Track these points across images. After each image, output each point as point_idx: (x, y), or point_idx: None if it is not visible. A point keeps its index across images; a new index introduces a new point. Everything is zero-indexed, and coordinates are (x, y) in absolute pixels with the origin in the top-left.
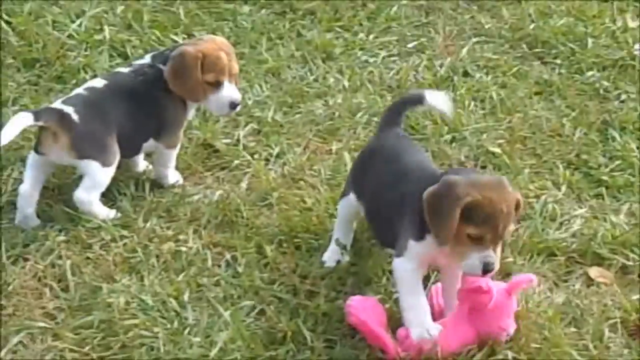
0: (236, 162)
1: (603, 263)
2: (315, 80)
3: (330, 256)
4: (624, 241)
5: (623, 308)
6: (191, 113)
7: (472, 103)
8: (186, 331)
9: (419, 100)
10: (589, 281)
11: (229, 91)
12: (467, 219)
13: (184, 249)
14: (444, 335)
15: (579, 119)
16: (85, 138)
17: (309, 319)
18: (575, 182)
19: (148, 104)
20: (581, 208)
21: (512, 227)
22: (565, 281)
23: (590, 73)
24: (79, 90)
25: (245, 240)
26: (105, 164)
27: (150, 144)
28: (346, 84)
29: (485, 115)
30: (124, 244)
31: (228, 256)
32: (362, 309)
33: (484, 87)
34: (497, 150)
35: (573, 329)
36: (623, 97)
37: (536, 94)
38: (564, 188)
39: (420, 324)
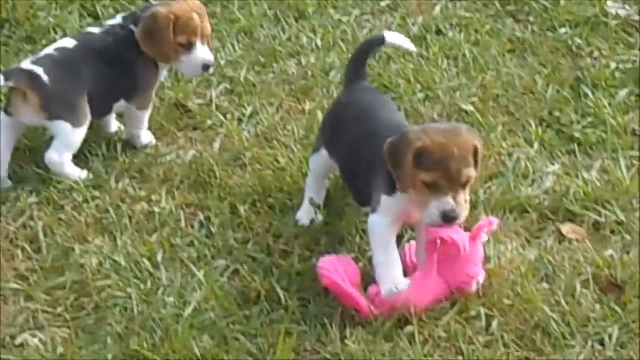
0: (209, 122)
1: (575, 219)
2: (289, 39)
3: (304, 215)
4: (596, 198)
5: (595, 264)
6: (163, 74)
7: (445, 61)
8: (160, 291)
9: (380, 42)
10: (561, 238)
11: (202, 53)
12: (419, 164)
13: (157, 209)
14: (415, 290)
15: (551, 77)
16: (56, 99)
17: (283, 278)
18: (548, 140)
19: (118, 65)
20: (553, 165)
21: (469, 171)
22: (538, 238)
23: (563, 30)
24: (49, 50)
25: (218, 200)
26: (76, 125)
27: (121, 105)
28: (319, 43)
29: (459, 73)
30: (97, 205)
31: (201, 216)
32: (335, 269)
33: (457, 46)
34: (470, 108)
35: (545, 285)
36: (596, 54)
37: (509, 51)
38: (536, 145)
39: (391, 280)
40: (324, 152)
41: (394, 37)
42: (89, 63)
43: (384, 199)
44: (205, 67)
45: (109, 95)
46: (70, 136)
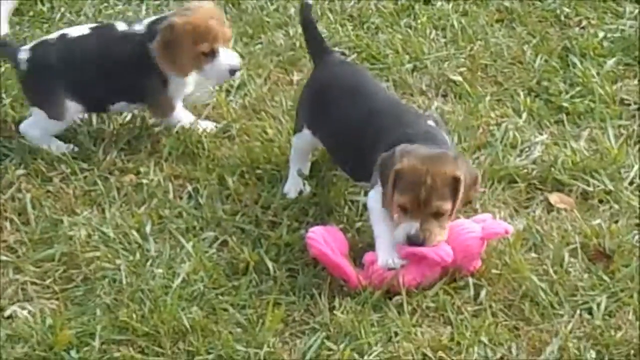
0: (197, 94)
1: (563, 189)
2: (276, 10)
3: (291, 187)
4: (584, 167)
5: (583, 233)
6: (188, 87)
7: (434, 31)
8: (148, 263)
9: (308, 8)
10: (550, 207)
11: (226, 58)
12: (396, 186)
13: (145, 181)
14: (410, 269)
15: (539, 46)
16: (32, 88)
17: (271, 249)
18: (536, 109)
19: (121, 70)
20: (542, 135)
21: (441, 203)
22: (526, 207)
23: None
24: (54, 35)
25: (206, 172)
26: (51, 116)
27: (121, 106)
28: None
29: (447, 43)
30: (85, 177)
31: (190, 188)
32: (323, 240)
33: (445, 15)
34: (459, 78)
35: (533, 255)
36: (584, 23)
37: (497, 21)
38: (524, 115)
39: (388, 251)
40: (306, 132)
41: None
42: (86, 59)
43: None
44: (232, 72)
45: (105, 95)
46: (43, 123)
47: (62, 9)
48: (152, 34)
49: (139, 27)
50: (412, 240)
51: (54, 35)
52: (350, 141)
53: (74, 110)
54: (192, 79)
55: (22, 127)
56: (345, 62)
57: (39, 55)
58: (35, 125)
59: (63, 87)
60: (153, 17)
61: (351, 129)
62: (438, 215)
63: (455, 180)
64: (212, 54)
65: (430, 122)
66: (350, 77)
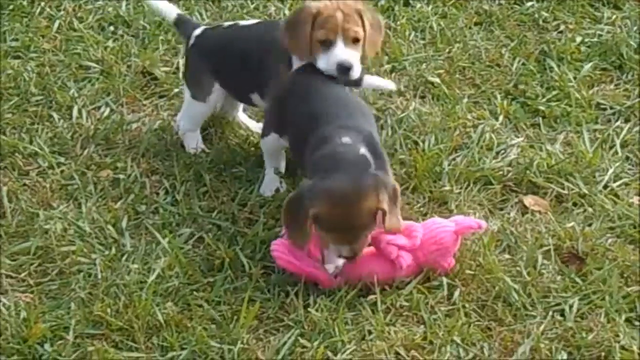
0: (175, 90)
1: (538, 191)
2: (256, 8)
3: (267, 186)
4: (559, 170)
5: (557, 236)
6: None
7: (413, 33)
8: (124, 258)
9: None
10: (524, 209)
11: (340, 52)
12: (317, 225)
13: (122, 176)
14: (382, 263)
15: (517, 49)
16: (187, 67)
17: (247, 246)
18: (513, 112)
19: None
20: (518, 137)
21: (368, 231)
22: (501, 209)
23: (529, 3)
24: (224, 24)
25: (184, 168)
26: (193, 96)
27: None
28: (287, 12)
29: (425, 45)
30: (62, 171)
31: (167, 184)
32: (288, 250)
33: (424, 17)
34: (437, 80)
35: (507, 256)
36: (561, 27)
37: (476, 24)
38: (501, 118)
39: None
40: (274, 135)
41: None
42: (241, 47)
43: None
44: (340, 68)
45: (244, 85)
46: (188, 105)
47: (42, 4)
48: None
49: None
50: (339, 268)
51: (230, 23)
52: (295, 144)
53: (218, 94)
54: None
55: (178, 117)
56: (312, 69)
57: (202, 37)
58: (184, 113)
59: (211, 70)
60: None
61: (297, 132)
62: (365, 238)
63: (377, 211)
64: (327, 44)
65: (346, 139)
66: (307, 80)
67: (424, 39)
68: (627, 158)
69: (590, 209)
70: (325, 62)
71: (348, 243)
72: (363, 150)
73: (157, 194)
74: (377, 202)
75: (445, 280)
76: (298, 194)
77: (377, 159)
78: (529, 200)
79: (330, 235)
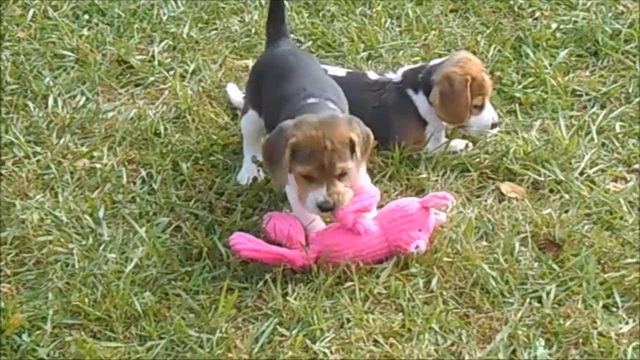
0: (151, 78)
1: (515, 178)
2: None
3: (245, 175)
4: (536, 157)
5: (534, 222)
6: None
7: (388, 20)
8: (101, 247)
9: None
10: (501, 196)
11: (490, 111)
12: (295, 158)
13: (98, 165)
14: (347, 235)
15: (493, 36)
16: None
17: (224, 235)
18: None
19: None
20: None
21: (344, 164)
22: (478, 196)
23: None
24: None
25: (160, 157)
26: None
27: None
28: (262, 0)
29: (401, 32)
30: (37, 161)
31: (143, 173)
32: (246, 239)
33: (400, 5)
34: None
35: (485, 243)
36: (537, 14)
37: (451, 11)
38: None
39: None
40: (252, 113)
41: None
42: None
43: None
44: (494, 125)
45: None
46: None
47: None
48: (411, 82)
49: (394, 76)
50: (323, 207)
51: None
52: (271, 123)
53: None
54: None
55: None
56: (290, 46)
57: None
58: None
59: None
60: (407, 67)
61: (272, 110)
62: (342, 176)
63: (351, 140)
64: (481, 107)
65: (312, 100)
66: (285, 59)
67: (399, 26)
68: (603, 144)
69: (566, 196)
70: (476, 124)
71: (323, 178)
72: (332, 105)
73: (134, 183)
74: (349, 130)
75: (423, 267)
76: (277, 129)
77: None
78: (505, 187)
79: (304, 168)
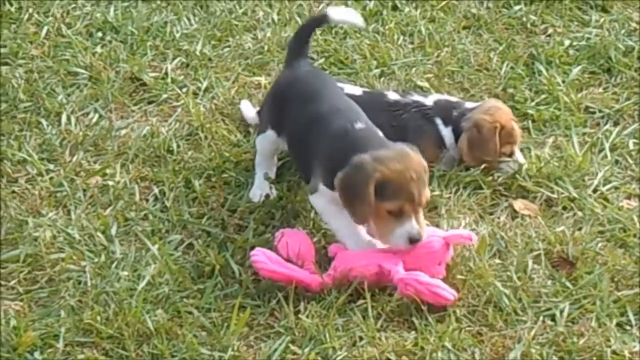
0: (164, 95)
1: (528, 196)
2: (244, 13)
3: (257, 192)
4: (549, 174)
5: (547, 240)
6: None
7: (401, 37)
8: (113, 265)
9: (324, 19)
10: (514, 213)
11: (520, 157)
12: (381, 195)
13: (111, 183)
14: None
15: (506, 53)
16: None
17: (237, 252)
18: None
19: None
20: None
21: (427, 191)
22: (491, 214)
23: (517, 7)
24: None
25: (173, 174)
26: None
27: None
28: (275, 17)
29: (414, 49)
30: (51, 178)
31: (156, 190)
32: (268, 259)
33: (413, 22)
34: (425, 84)
35: (497, 261)
36: (550, 31)
37: (464, 28)
38: None
39: (354, 236)
40: (270, 132)
41: (338, 13)
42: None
43: (322, 188)
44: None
45: None
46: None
47: (30, 10)
48: (443, 113)
49: (423, 99)
50: (415, 239)
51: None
52: (299, 143)
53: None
54: None
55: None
56: (313, 69)
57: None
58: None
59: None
60: (443, 96)
61: (300, 131)
62: (423, 204)
63: (425, 168)
64: (510, 155)
65: (359, 125)
66: (309, 82)
67: (412, 43)
68: (617, 161)
69: (580, 213)
70: (505, 167)
71: (414, 209)
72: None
73: (147, 200)
74: (420, 158)
75: None
76: (354, 167)
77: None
78: (518, 204)
79: (395, 204)
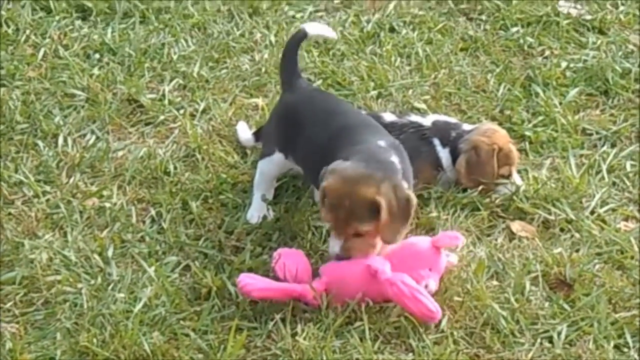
0: (161, 117)
1: (525, 217)
2: (242, 35)
3: (254, 213)
4: (546, 196)
5: (544, 262)
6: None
7: (398, 59)
8: (110, 287)
9: (302, 36)
10: (511, 235)
11: (517, 179)
12: (323, 204)
13: (107, 204)
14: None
15: (503, 75)
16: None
17: (234, 274)
18: None
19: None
20: None
21: (360, 225)
22: (488, 235)
23: (515, 29)
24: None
25: (170, 196)
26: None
27: None
28: (273, 39)
29: (411, 71)
30: (47, 200)
31: (153, 212)
32: (253, 278)
33: (410, 43)
34: (423, 106)
35: (495, 283)
36: (547, 53)
37: (461, 50)
38: None
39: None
40: (278, 155)
41: (314, 28)
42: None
43: None
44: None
45: None
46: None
47: (27, 31)
48: (441, 134)
49: (421, 119)
50: (338, 257)
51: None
52: (316, 162)
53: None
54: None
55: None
56: (314, 87)
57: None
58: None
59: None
60: (441, 117)
61: (317, 149)
62: (358, 235)
63: (375, 204)
64: (507, 177)
65: (381, 143)
66: (320, 99)
67: (409, 65)
68: (614, 183)
69: (577, 235)
70: (502, 190)
71: (340, 232)
72: (394, 157)
73: (143, 222)
74: (374, 193)
75: None
76: (330, 168)
77: (405, 168)
78: (516, 226)
79: (323, 214)
